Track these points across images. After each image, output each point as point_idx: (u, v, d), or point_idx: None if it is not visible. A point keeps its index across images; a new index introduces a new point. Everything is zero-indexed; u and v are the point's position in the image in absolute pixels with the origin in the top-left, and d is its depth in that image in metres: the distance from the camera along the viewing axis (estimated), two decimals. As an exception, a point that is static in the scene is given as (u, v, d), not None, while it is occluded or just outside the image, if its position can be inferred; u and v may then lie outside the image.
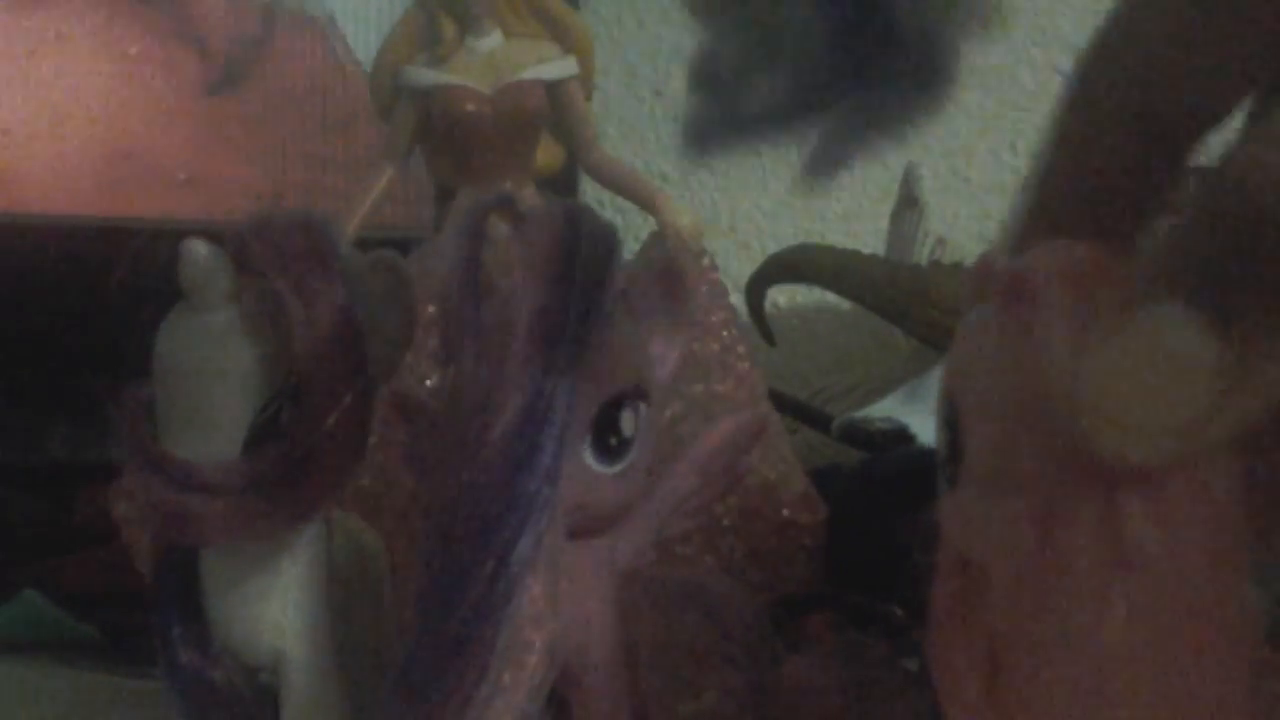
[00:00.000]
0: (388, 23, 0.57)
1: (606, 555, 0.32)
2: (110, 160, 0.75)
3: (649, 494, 0.33)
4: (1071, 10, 0.76)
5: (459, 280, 0.29)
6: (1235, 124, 0.19)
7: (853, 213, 0.83)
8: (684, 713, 0.31)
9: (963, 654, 0.19)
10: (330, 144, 0.79)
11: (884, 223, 0.72)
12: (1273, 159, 0.15)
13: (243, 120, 0.78)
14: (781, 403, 0.57)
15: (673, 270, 0.34)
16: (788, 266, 0.69)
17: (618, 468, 0.31)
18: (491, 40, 0.54)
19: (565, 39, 0.55)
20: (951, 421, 0.19)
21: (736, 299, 0.58)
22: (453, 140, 0.54)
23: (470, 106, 0.53)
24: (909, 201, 0.70)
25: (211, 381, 0.31)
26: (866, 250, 0.68)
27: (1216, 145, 0.18)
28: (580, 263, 0.29)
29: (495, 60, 0.54)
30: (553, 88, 0.54)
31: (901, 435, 0.57)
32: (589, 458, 0.30)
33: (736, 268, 0.80)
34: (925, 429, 0.56)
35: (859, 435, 0.58)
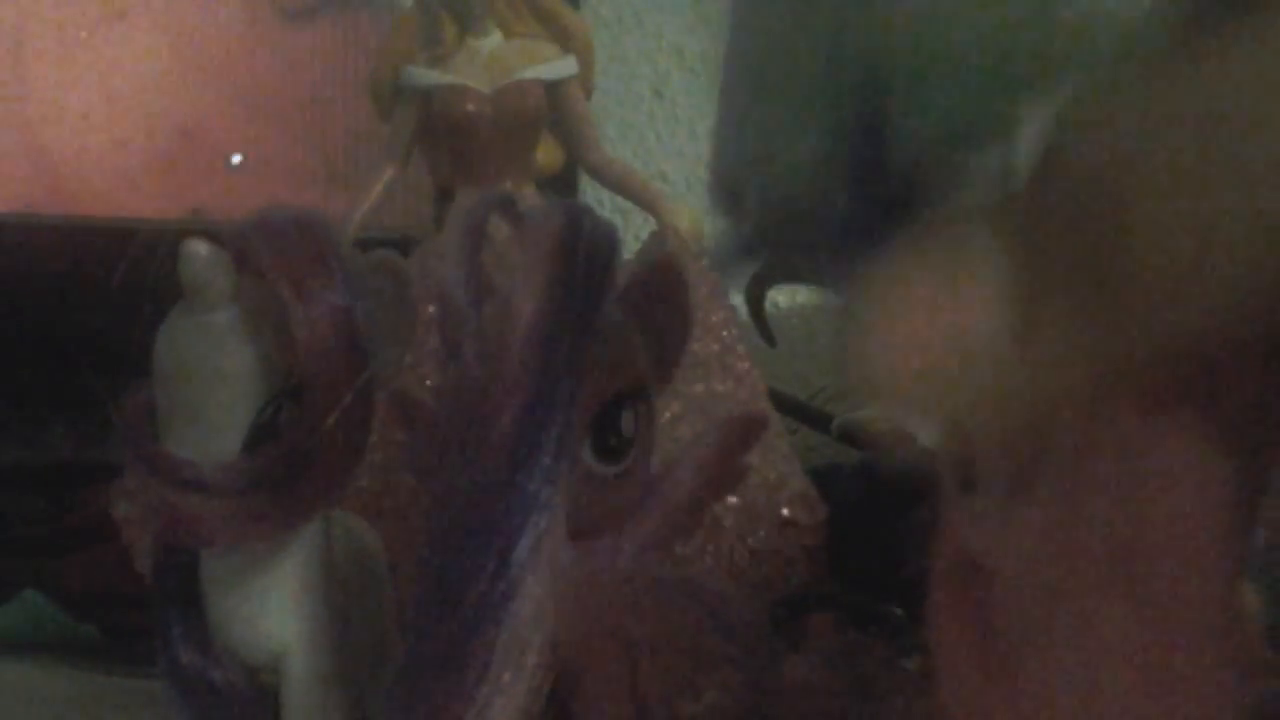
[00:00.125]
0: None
1: (607, 555, 0.32)
2: (168, 139, 0.75)
3: (649, 494, 0.33)
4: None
5: (459, 280, 0.29)
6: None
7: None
8: (684, 713, 0.31)
9: (966, 654, 0.19)
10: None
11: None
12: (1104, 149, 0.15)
13: (301, 103, 0.77)
14: (781, 403, 0.57)
15: (673, 270, 0.34)
16: (788, 266, 0.69)
17: (618, 468, 0.31)
18: (491, 40, 0.54)
19: (565, 39, 0.55)
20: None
21: (736, 299, 0.58)
22: (453, 140, 0.54)
23: (470, 106, 0.53)
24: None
25: (211, 381, 0.31)
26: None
27: None
28: (580, 263, 0.29)
29: (495, 60, 0.54)
30: (553, 88, 0.54)
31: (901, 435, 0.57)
32: (589, 458, 0.30)
33: (736, 268, 0.79)
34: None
35: (859, 435, 0.58)
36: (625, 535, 0.33)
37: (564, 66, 0.55)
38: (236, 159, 0.76)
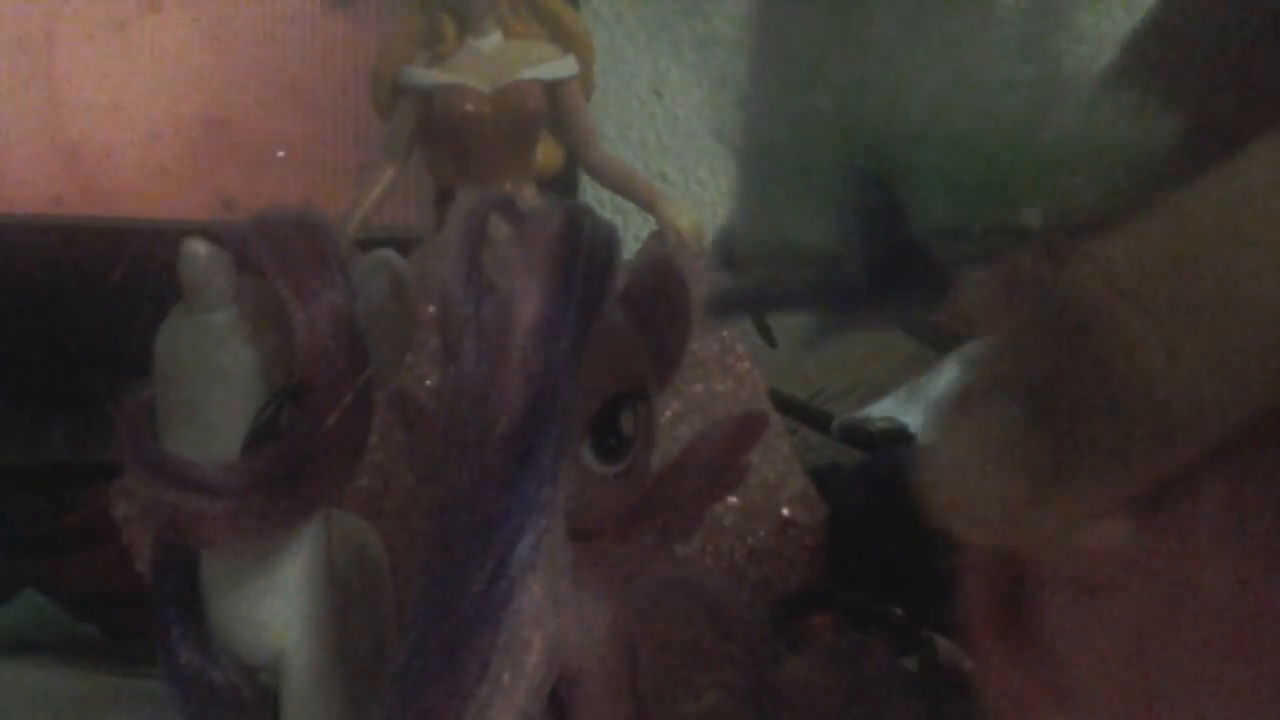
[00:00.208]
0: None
1: (607, 555, 0.32)
2: (204, 131, 0.75)
3: (649, 494, 0.33)
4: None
5: (459, 280, 0.29)
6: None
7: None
8: (684, 713, 0.31)
9: (1009, 655, 0.19)
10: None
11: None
12: (1095, 286, 0.15)
13: (333, 95, 0.77)
14: (781, 403, 0.57)
15: (673, 270, 0.34)
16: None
17: (618, 468, 0.31)
18: (491, 40, 0.54)
19: (565, 39, 0.55)
20: None
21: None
22: (453, 140, 0.54)
23: (470, 106, 0.53)
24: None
25: (211, 381, 0.31)
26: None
27: None
28: (580, 263, 0.29)
29: (495, 60, 0.54)
30: (553, 88, 0.55)
31: (901, 435, 0.57)
32: (589, 458, 0.30)
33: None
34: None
35: (859, 435, 0.58)
36: (625, 535, 0.33)
37: (564, 66, 0.55)
38: (280, 154, 0.75)
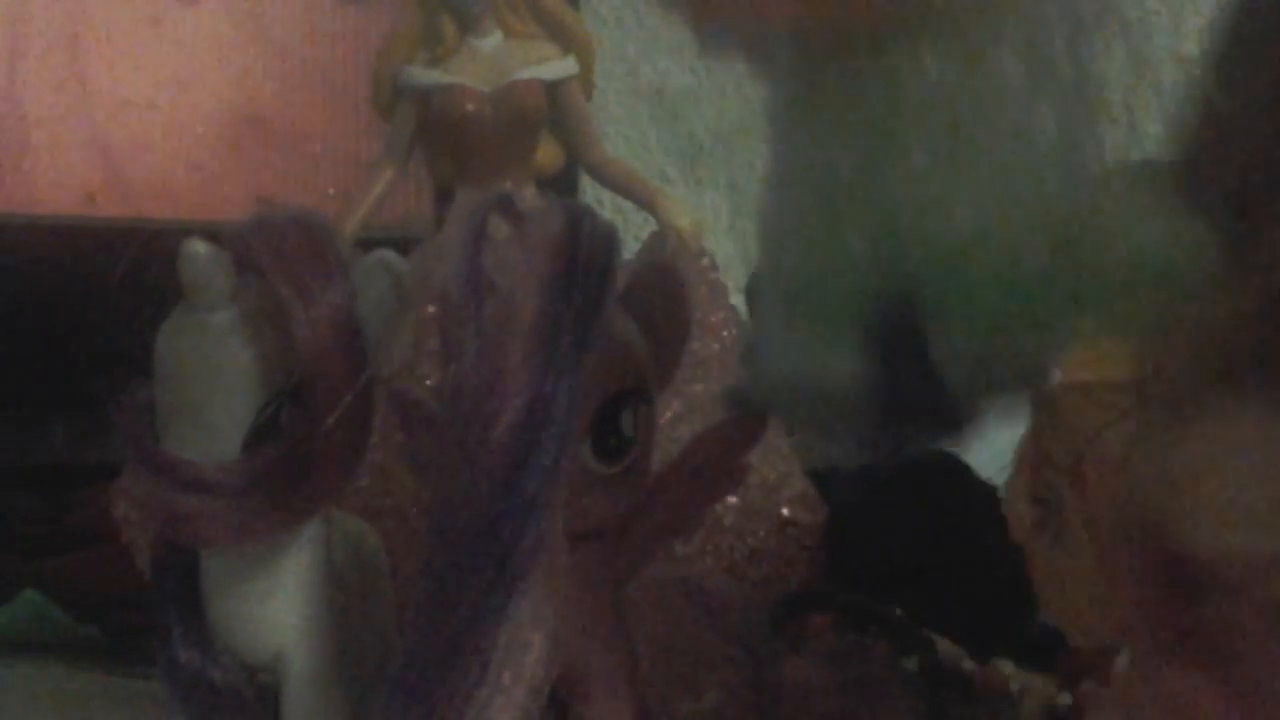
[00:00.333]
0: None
1: (607, 556, 0.32)
2: (239, 127, 0.74)
3: (649, 494, 0.33)
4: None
5: (459, 280, 0.29)
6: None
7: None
8: (684, 713, 0.31)
9: (1185, 661, 0.18)
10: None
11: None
12: None
13: (368, 90, 0.76)
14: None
15: (673, 270, 0.34)
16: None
17: (617, 468, 0.31)
18: (491, 40, 0.54)
19: (565, 39, 0.55)
20: None
21: (736, 299, 0.58)
22: (453, 140, 0.54)
23: (470, 106, 0.53)
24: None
25: (211, 381, 0.31)
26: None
27: None
28: (580, 263, 0.29)
29: (495, 60, 0.54)
30: (553, 88, 0.55)
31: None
32: (589, 458, 0.30)
33: (736, 268, 0.80)
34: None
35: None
36: (625, 535, 0.33)
37: (564, 66, 0.55)
38: (331, 192, 0.73)
